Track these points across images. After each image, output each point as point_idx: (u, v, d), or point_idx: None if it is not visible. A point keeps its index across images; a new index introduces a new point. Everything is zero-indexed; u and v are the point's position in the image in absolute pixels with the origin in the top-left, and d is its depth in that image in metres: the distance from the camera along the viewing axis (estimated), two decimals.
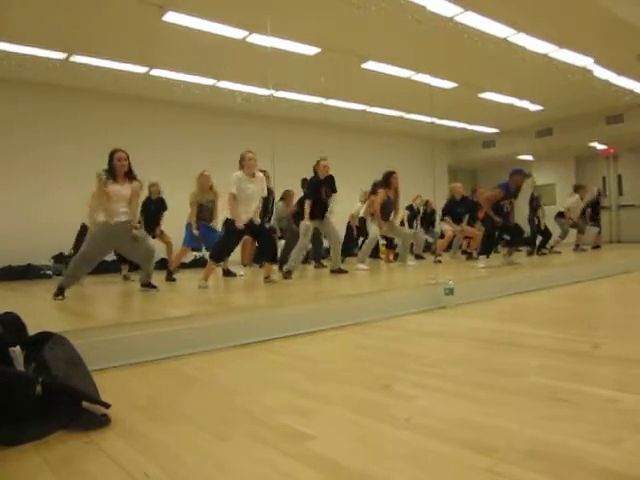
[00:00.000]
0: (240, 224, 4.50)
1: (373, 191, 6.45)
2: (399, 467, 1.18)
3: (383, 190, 6.20)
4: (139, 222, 6.31)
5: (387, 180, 6.23)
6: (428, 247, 9.32)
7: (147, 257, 4.40)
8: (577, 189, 8.68)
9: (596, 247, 9.03)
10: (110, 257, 7.13)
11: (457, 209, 7.65)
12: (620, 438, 1.26)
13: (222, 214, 5.44)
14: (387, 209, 6.25)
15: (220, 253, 4.76)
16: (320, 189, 5.50)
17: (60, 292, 4.00)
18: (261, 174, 4.81)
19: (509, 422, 1.41)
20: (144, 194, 6.33)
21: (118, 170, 4.19)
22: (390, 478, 1.13)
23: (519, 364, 2.06)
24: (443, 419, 1.46)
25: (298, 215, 6.08)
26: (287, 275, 5.19)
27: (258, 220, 4.66)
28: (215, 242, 5.10)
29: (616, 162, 12.59)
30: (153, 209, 6.39)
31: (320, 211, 5.51)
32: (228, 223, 4.63)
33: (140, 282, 4.56)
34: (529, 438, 1.29)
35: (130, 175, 4.29)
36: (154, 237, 6.38)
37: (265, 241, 4.88)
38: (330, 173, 5.57)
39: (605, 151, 12.26)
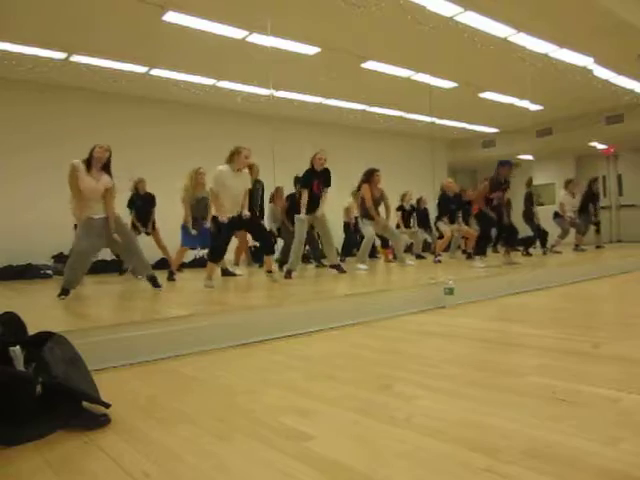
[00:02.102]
0: (223, 217, 4.46)
1: (359, 188, 6.48)
2: (399, 467, 1.18)
3: (367, 185, 6.21)
4: (133, 220, 6.38)
5: (369, 177, 6.25)
6: (428, 246, 9.31)
7: (129, 251, 4.32)
8: (566, 184, 8.68)
9: (598, 247, 9.01)
10: (110, 257, 7.17)
11: (450, 206, 7.65)
12: (620, 438, 1.26)
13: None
14: (375, 205, 6.28)
15: (216, 252, 4.72)
16: (313, 181, 5.46)
17: (64, 292, 4.01)
18: (246, 170, 4.78)
19: (509, 422, 1.41)
20: (129, 191, 6.45)
21: (95, 159, 4.02)
22: (390, 478, 1.13)
23: (519, 364, 2.06)
24: (443, 419, 1.46)
25: (290, 211, 6.07)
26: (288, 275, 5.19)
27: (246, 213, 4.60)
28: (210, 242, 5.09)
29: (616, 162, 12.60)
30: (140, 204, 6.43)
31: (312, 204, 5.45)
32: (215, 220, 4.61)
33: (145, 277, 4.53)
34: (529, 438, 1.29)
35: (106, 169, 4.11)
36: (148, 234, 6.43)
37: (260, 232, 4.84)
38: (326, 166, 5.52)
39: (605, 151, 12.27)
